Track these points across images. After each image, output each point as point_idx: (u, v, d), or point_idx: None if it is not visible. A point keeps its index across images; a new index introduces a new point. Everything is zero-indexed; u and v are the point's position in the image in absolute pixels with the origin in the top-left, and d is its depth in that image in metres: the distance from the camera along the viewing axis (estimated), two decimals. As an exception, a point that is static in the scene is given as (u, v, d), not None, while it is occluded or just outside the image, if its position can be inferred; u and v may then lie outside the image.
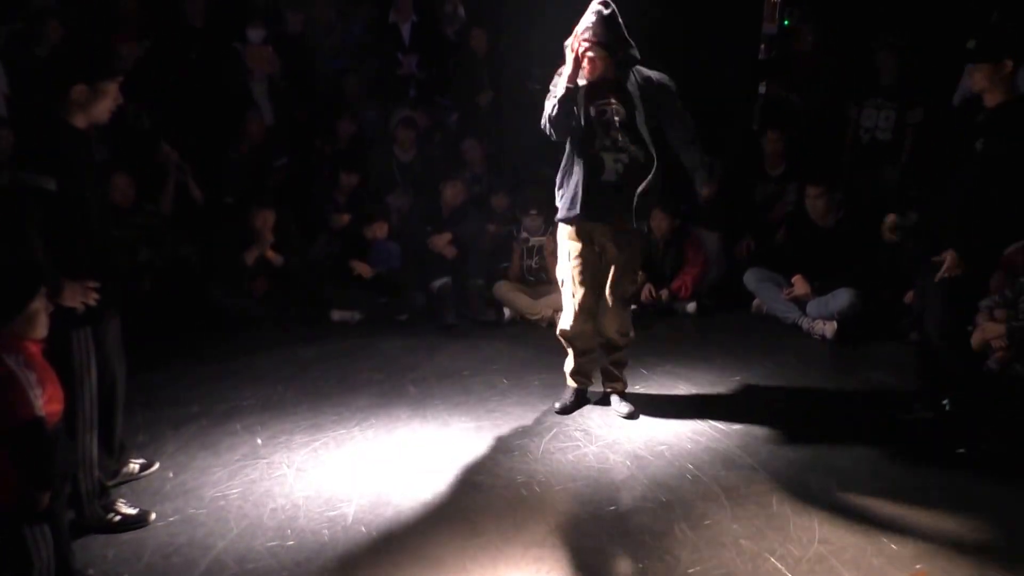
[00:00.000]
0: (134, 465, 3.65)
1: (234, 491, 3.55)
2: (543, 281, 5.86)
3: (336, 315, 5.66)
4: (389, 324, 5.61)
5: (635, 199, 4.02)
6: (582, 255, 4.13)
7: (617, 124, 4.00)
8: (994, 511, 3.45)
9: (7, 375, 2.38)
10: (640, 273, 5.86)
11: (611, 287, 4.18)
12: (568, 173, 4.12)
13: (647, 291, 5.82)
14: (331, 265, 5.88)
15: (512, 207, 6.18)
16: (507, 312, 5.75)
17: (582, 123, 4.01)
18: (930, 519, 3.39)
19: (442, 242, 5.97)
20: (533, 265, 5.90)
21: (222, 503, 3.46)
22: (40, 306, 2.51)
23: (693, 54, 7.28)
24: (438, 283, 5.76)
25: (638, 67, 4.07)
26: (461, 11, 7.30)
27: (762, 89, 7.40)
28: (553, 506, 3.49)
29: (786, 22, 7.58)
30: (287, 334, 5.37)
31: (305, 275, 5.72)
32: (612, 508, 3.46)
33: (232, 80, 6.31)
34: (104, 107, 3.23)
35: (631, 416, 4.26)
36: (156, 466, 3.71)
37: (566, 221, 4.13)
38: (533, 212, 5.87)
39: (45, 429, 2.44)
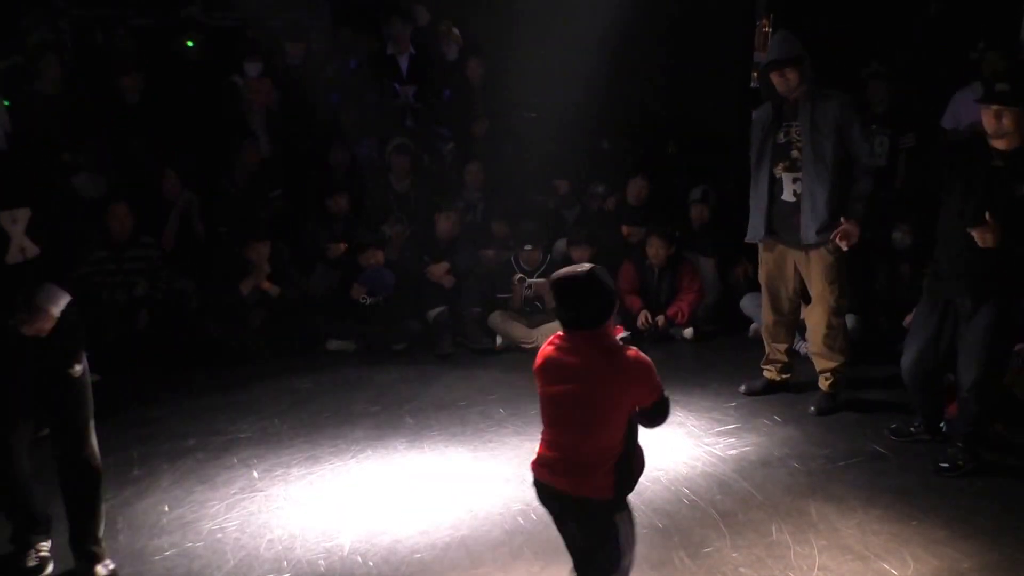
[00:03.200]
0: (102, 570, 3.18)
1: (231, 524, 3.54)
2: (540, 311, 5.87)
3: (332, 344, 5.67)
4: (385, 354, 5.61)
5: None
6: None
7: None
8: (994, 536, 3.44)
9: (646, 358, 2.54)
10: (636, 299, 5.93)
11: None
12: None
13: (643, 317, 5.84)
14: (328, 295, 5.89)
15: (510, 235, 6.21)
16: (499, 340, 5.75)
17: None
18: (930, 544, 3.38)
19: (440, 271, 5.99)
20: (531, 296, 5.92)
21: (219, 535, 3.45)
22: None
23: (686, 82, 7.38)
24: (435, 312, 5.77)
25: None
26: (456, 32, 7.38)
27: (754, 116, 7.46)
28: (550, 535, 3.44)
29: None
30: (283, 365, 5.37)
31: (301, 306, 5.74)
32: (609, 536, 3.44)
33: (230, 113, 6.37)
34: None
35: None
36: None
37: None
38: (528, 247, 5.89)
39: None
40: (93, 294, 5.28)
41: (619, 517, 2.58)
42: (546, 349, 2.62)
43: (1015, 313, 3.76)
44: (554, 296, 2.56)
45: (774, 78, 4.37)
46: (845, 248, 4.29)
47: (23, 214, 2.82)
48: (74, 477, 3.14)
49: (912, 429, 4.26)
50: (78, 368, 3.03)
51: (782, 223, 4.52)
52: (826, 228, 4.34)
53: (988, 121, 3.62)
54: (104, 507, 3.26)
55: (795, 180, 4.42)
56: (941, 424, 4.18)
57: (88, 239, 3.23)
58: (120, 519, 3.57)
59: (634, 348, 2.55)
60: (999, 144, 3.62)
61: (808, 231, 4.38)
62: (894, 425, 4.32)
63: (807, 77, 4.33)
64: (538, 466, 2.67)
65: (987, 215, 3.57)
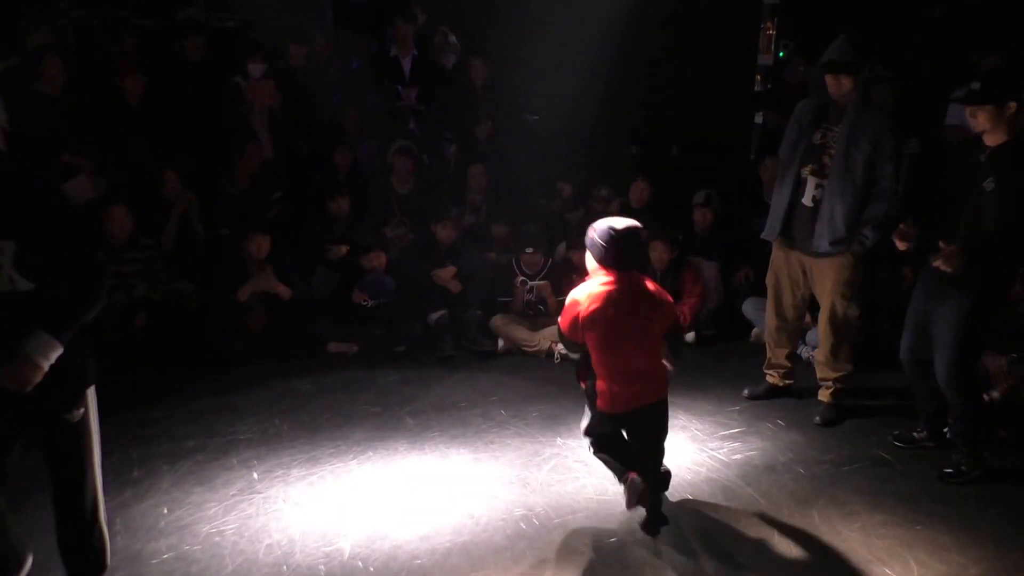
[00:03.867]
0: None
1: (230, 527, 3.51)
2: (542, 314, 5.85)
3: (333, 347, 5.64)
4: (386, 356, 5.58)
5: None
6: None
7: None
8: (1000, 543, 3.43)
9: None
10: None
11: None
12: None
13: (645, 321, 5.81)
14: (328, 297, 5.87)
15: (512, 236, 6.19)
16: (500, 342, 5.73)
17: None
18: (935, 550, 3.36)
19: (447, 276, 5.96)
20: (533, 299, 5.89)
21: (217, 539, 3.42)
22: None
23: (691, 86, 7.37)
24: (436, 315, 5.75)
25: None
26: (452, 38, 7.36)
27: (759, 119, 7.46)
28: (552, 539, 3.44)
29: (781, 54, 7.66)
30: (283, 367, 5.34)
31: (301, 308, 5.71)
32: (612, 540, 3.43)
33: (232, 114, 6.35)
34: None
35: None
36: None
37: None
38: (530, 250, 5.87)
39: None
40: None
41: None
42: (599, 290, 3.35)
43: (982, 309, 3.76)
44: (618, 245, 3.34)
45: (828, 79, 4.28)
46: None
47: (8, 246, 2.46)
48: (74, 560, 2.78)
49: (916, 435, 4.24)
50: (78, 413, 2.67)
51: (798, 226, 4.46)
52: (840, 241, 4.29)
53: (968, 120, 3.71)
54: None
55: (818, 186, 4.35)
56: (944, 429, 4.15)
57: (95, 283, 2.75)
58: (118, 521, 3.54)
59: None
60: (987, 140, 3.68)
61: (821, 240, 4.33)
62: (897, 431, 4.29)
63: (860, 87, 4.27)
64: (623, 400, 3.40)
65: (940, 243, 3.66)
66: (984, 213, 3.63)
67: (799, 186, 4.42)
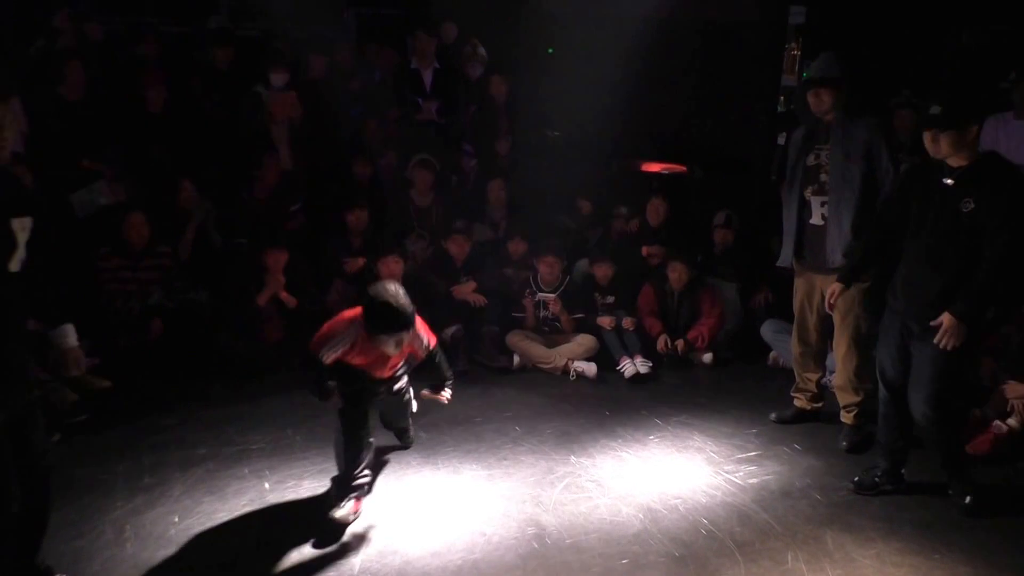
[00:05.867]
0: None
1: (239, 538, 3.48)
2: (558, 331, 5.81)
3: (348, 359, 5.61)
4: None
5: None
6: None
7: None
8: (1016, 573, 3.34)
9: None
10: (657, 323, 5.86)
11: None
12: None
13: (663, 341, 5.77)
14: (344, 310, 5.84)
15: (529, 253, 6.16)
16: (516, 359, 5.69)
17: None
18: (954, 582, 3.29)
19: (467, 290, 5.94)
20: (549, 316, 5.86)
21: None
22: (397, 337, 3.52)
23: (714, 105, 7.35)
24: (450, 330, 5.71)
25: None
26: (482, 50, 7.38)
27: (781, 140, 7.42)
28: (564, 559, 3.40)
29: (805, 75, 7.62)
30: (297, 378, 5.28)
31: (317, 319, 5.68)
32: (624, 562, 3.38)
33: (253, 124, 6.37)
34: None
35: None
36: None
37: None
38: (548, 257, 5.85)
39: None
40: (107, 301, 5.28)
41: None
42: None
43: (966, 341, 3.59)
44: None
45: (810, 97, 4.33)
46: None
47: (27, 223, 2.75)
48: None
49: (876, 479, 4.02)
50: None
51: (811, 246, 4.48)
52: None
53: (927, 145, 3.58)
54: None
55: (823, 204, 4.37)
56: (902, 471, 4.03)
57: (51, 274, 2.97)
58: (128, 527, 3.52)
59: None
60: (951, 162, 3.57)
61: (834, 254, 4.33)
62: (857, 478, 4.05)
63: (841, 101, 4.28)
64: None
65: (944, 317, 3.52)
66: (967, 236, 3.49)
67: (804, 208, 4.45)
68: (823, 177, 4.36)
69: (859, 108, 4.30)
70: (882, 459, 4.02)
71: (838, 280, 4.09)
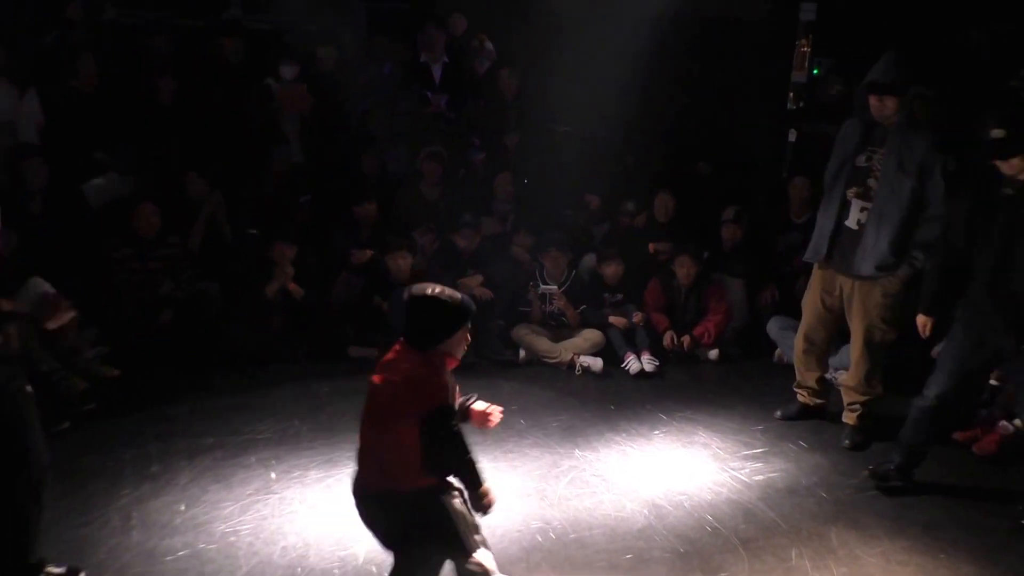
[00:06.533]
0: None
1: (245, 527, 3.51)
2: (563, 325, 5.82)
3: (354, 351, 5.63)
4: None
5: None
6: None
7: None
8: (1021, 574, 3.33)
9: (447, 384, 2.80)
10: (663, 318, 5.85)
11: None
12: None
13: (669, 337, 5.76)
14: (351, 302, 5.86)
15: (535, 247, 6.16)
16: (522, 353, 5.70)
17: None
18: (958, 581, 3.28)
19: (473, 283, 5.95)
20: (555, 310, 5.86)
21: (232, 539, 3.42)
22: (464, 332, 2.86)
23: (724, 101, 7.32)
24: (456, 323, 5.71)
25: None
26: (489, 45, 7.37)
27: (791, 137, 7.40)
28: (568, 554, 3.40)
29: (816, 71, 7.60)
30: (304, 369, 5.35)
31: (324, 311, 5.71)
32: (628, 557, 3.38)
33: (263, 116, 6.38)
34: None
35: None
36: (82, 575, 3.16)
37: None
38: (552, 251, 5.84)
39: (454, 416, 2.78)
40: (117, 292, 5.31)
41: None
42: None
43: None
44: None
45: (872, 100, 4.15)
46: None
47: None
48: None
49: (889, 471, 4.02)
50: None
51: (841, 249, 4.35)
52: (886, 266, 4.18)
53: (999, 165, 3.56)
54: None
55: (863, 209, 4.24)
56: (914, 471, 4.01)
57: None
58: (135, 515, 3.55)
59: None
60: (1007, 170, 3.54)
61: (864, 264, 4.21)
62: (872, 466, 4.08)
63: (905, 107, 4.13)
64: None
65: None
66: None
67: (844, 208, 4.31)
68: (871, 182, 4.21)
69: (922, 120, 4.18)
70: (899, 456, 4.00)
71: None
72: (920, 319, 3.99)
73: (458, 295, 2.84)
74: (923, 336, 4.03)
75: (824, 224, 4.40)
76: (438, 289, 2.82)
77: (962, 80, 6.37)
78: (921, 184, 4.11)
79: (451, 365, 2.86)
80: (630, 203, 6.65)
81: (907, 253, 4.18)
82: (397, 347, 2.82)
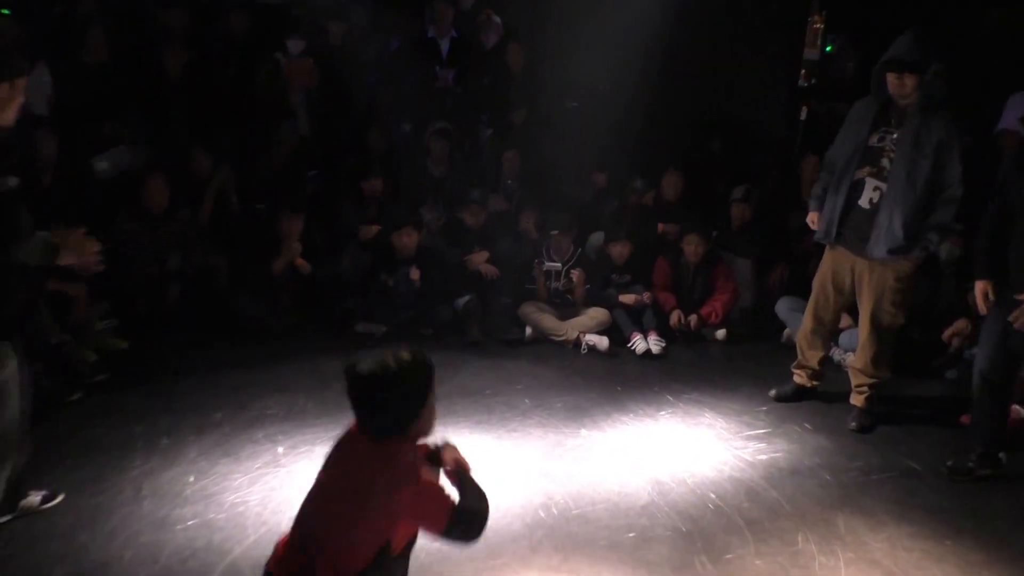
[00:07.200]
0: (34, 497, 3.38)
1: (254, 497, 3.55)
2: (570, 303, 5.82)
3: (361, 327, 5.66)
4: (414, 338, 5.59)
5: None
6: None
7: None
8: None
9: (437, 486, 2.31)
10: (670, 297, 5.85)
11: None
12: None
13: (676, 316, 5.76)
14: (358, 277, 5.88)
15: (541, 224, 6.16)
16: (528, 330, 5.71)
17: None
18: (966, 567, 3.30)
19: (480, 260, 5.95)
20: (560, 288, 5.86)
21: (241, 509, 3.46)
22: (433, 397, 2.27)
23: (733, 78, 7.25)
24: (462, 300, 5.73)
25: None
26: (496, 19, 7.30)
27: (803, 115, 7.34)
28: (571, 530, 3.43)
29: (828, 48, 7.52)
30: (311, 345, 5.37)
31: (331, 287, 5.73)
32: (631, 535, 3.41)
33: (270, 90, 6.36)
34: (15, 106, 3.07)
35: None
36: (60, 497, 3.44)
37: None
38: (555, 232, 5.84)
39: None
40: (126, 265, 5.33)
41: None
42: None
43: None
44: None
45: (891, 79, 4.07)
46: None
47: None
48: None
49: (971, 464, 3.98)
50: None
51: (853, 228, 4.30)
52: (898, 249, 4.14)
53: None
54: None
55: (876, 188, 4.19)
56: (1000, 454, 3.99)
57: None
58: (145, 486, 3.60)
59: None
60: None
61: (877, 246, 4.18)
62: (950, 463, 4.03)
63: (924, 87, 4.05)
64: (274, 558, 2.53)
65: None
66: None
67: (855, 188, 4.25)
68: (884, 162, 4.16)
69: (941, 99, 4.08)
70: (977, 443, 3.98)
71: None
72: (979, 286, 3.81)
73: (406, 354, 2.27)
74: (982, 311, 3.84)
75: (835, 204, 4.34)
76: (386, 359, 2.26)
77: (979, 59, 6.29)
78: (938, 165, 4.06)
79: (422, 451, 2.34)
80: (638, 181, 6.62)
81: (921, 236, 4.14)
82: (350, 435, 2.34)
